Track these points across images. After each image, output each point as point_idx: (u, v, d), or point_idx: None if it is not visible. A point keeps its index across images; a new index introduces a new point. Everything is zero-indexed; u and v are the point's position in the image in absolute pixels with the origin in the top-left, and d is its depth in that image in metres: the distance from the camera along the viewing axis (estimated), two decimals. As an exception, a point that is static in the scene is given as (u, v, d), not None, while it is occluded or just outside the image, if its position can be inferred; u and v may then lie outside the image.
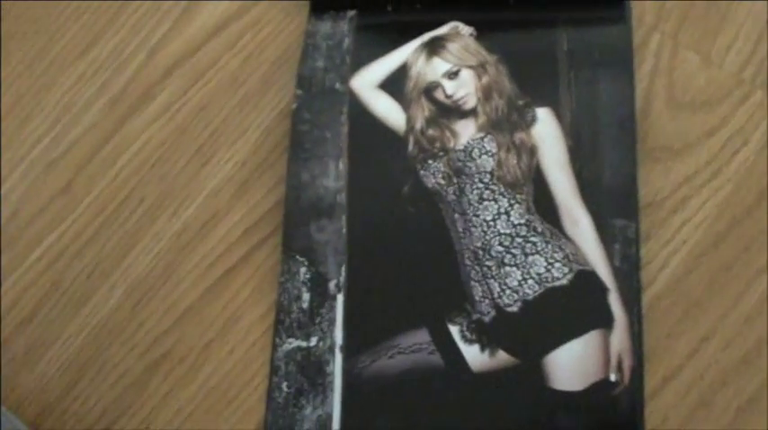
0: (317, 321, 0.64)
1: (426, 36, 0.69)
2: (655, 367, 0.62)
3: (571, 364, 0.61)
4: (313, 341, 0.63)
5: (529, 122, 0.66)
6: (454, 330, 0.63)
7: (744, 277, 0.64)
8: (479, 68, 0.68)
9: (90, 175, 0.71)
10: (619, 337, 0.61)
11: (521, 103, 0.67)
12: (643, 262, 0.64)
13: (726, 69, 0.69)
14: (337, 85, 0.69)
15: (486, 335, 0.62)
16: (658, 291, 0.64)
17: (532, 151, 0.66)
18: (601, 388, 0.60)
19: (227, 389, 0.64)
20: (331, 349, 0.63)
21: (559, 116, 0.67)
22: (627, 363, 0.61)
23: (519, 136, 0.66)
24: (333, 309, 0.64)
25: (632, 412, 0.60)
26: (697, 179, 0.66)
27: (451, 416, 0.61)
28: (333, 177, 0.67)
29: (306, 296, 0.65)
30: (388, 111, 0.68)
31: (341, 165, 0.67)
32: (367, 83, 0.69)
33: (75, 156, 0.71)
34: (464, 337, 0.62)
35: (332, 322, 0.64)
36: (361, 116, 0.68)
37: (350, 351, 0.62)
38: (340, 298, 0.64)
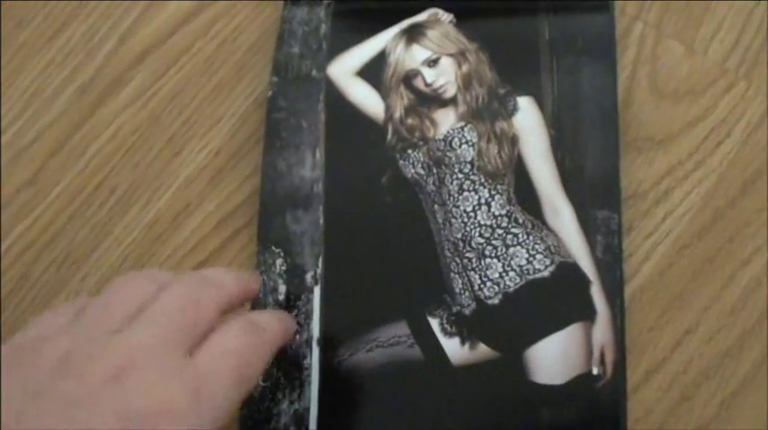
0: (293, 314, 0.63)
1: (405, 22, 0.70)
2: (637, 360, 0.63)
3: (553, 357, 0.61)
4: None
5: (510, 111, 0.67)
6: (434, 323, 0.63)
7: (728, 269, 0.65)
8: (459, 56, 0.68)
9: (59, 165, 0.71)
10: (601, 330, 0.62)
11: (502, 91, 0.67)
12: (625, 254, 0.64)
13: (709, 59, 0.69)
14: (314, 72, 0.69)
15: (466, 328, 0.62)
16: (641, 283, 0.65)
17: (514, 141, 0.66)
18: (583, 381, 0.61)
19: (201, 384, 0.64)
20: (308, 342, 0.63)
21: (541, 105, 0.67)
22: (609, 357, 0.61)
23: (500, 125, 0.66)
24: (310, 301, 0.64)
25: (615, 405, 0.60)
26: (680, 170, 0.67)
27: (431, 410, 0.61)
28: (309, 167, 0.67)
29: (282, 288, 0.64)
30: (366, 99, 0.68)
31: (318, 155, 0.67)
32: (344, 70, 0.69)
33: (44, 145, 0.71)
34: (444, 330, 0.62)
35: (309, 315, 0.64)
36: (339, 104, 0.68)
37: (327, 344, 0.62)
38: (317, 290, 0.64)
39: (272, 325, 0.54)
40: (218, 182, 0.70)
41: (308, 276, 0.65)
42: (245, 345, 0.52)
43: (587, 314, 0.62)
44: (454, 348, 0.62)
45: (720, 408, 0.62)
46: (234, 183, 0.69)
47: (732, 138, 0.67)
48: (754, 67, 0.69)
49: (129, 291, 0.52)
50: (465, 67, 0.68)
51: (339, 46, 0.70)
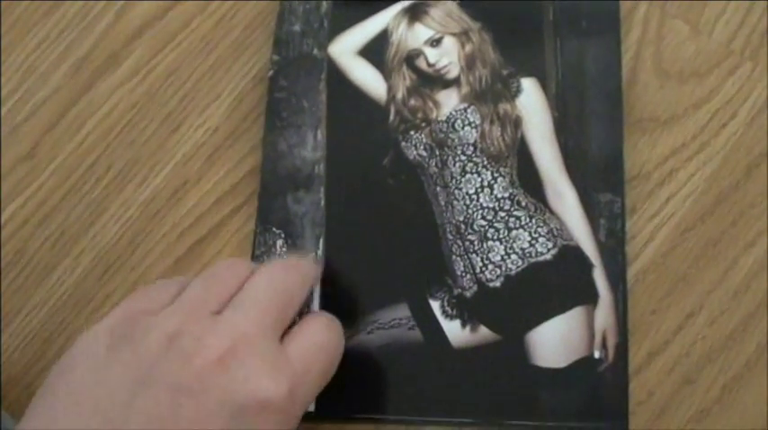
0: None
1: (407, 0, 0.71)
2: (640, 343, 0.64)
3: (554, 341, 0.63)
4: None
5: (513, 93, 0.68)
6: (435, 305, 0.64)
7: (731, 252, 0.66)
8: (463, 36, 0.69)
9: (55, 141, 0.72)
10: (603, 314, 0.63)
11: (505, 72, 0.68)
12: (628, 236, 0.66)
13: (715, 40, 0.71)
14: (315, 51, 0.70)
15: (467, 311, 0.64)
16: (644, 265, 0.66)
17: (517, 123, 0.67)
18: (584, 365, 0.62)
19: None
20: None
21: (545, 87, 0.68)
22: (611, 341, 0.63)
23: (503, 107, 0.67)
24: None
25: (617, 389, 0.62)
26: (684, 152, 0.68)
27: (431, 392, 0.63)
28: (311, 147, 0.68)
29: None
30: (369, 79, 0.69)
31: (319, 136, 0.68)
32: (346, 49, 0.70)
33: (40, 121, 0.72)
34: (445, 313, 0.64)
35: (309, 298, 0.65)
36: (340, 84, 0.69)
37: None
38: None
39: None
40: (215, 159, 0.71)
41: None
42: (329, 341, 0.55)
43: (589, 298, 0.64)
44: (455, 331, 0.64)
45: (723, 392, 0.63)
46: (231, 162, 0.70)
47: (737, 120, 0.69)
48: (760, 49, 0.70)
49: (229, 275, 0.55)
50: (468, 48, 0.69)
51: (341, 24, 0.71)
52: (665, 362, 0.64)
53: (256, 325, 0.52)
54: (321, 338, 0.55)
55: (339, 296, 0.65)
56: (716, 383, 0.64)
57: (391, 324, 0.64)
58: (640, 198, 0.67)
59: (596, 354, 0.62)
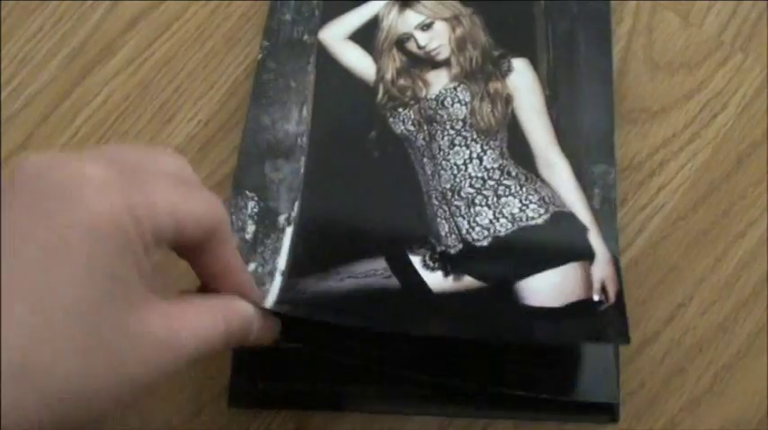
0: (259, 250, 0.60)
1: (398, -13, 0.69)
2: (631, 332, 0.61)
3: (548, 288, 0.58)
4: (251, 266, 0.60)
5: (504, 72, 0.66)
6: (415, 260, 0.59)
7: (722, 242, 0.65)
8: (453, 20, 0.68)
9: (49, 132, 0.70)
10: (600, 267, 0.59)
11: (496, 53, 0.67)
12: (619, 225, 0.64)
13: (705, 31, 0.70)
14: (305, 37, 0.69)
15: (450, 264, 0.59)
16: (635, 255, 0.64)
17: (508, 100, 0.65)
18: (583, 305, 0.58)
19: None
20: (271, 273, 0.59)
21: (536, 68, 0.67)
22: (612, 288, 0.58)
23: (494, 86, 0.66)
24: (279, 239, 0.61)
25: (621, 323, 0.57)
26: (675, 142, 0.67)
27: (408, 328, 0.57)
28: (295, 122, 0.66)
29: (250, 228, 0.61)
30: (358, 60, 0.68)
31: (304, 112, 0.66)
32: (336, 34, 0.69)
33: (34, 112, 0.71)
34: (426, 265, 0.59)
35: (276, 251, 0.60)
36: (329, 65, 0.68)
37: (291, 275, 0.59)
38: (289, 230, 0.61)
39: None
40: (208, 151, 0.69)
41: (282, 218, 0.62)
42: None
43: (585, 255, 0.59)
44: (437, 280, 0.59)
45: (714, 381, 0.61)
46: (224, 154, 0.69)
47: (727, 111, 0.68)
48: (751, 40, 0.70)
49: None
50: (459, 31, 0.68)
51: (331, 12, 0.70)
52: (656, 351, 0.62)
53: None
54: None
55: (309, 250, 0.61)
56: (707, 373, 0.62)
57: (366, 274, 0.59)
58: (631, 188, 0.66)
59: (595, 297, 0.58)
